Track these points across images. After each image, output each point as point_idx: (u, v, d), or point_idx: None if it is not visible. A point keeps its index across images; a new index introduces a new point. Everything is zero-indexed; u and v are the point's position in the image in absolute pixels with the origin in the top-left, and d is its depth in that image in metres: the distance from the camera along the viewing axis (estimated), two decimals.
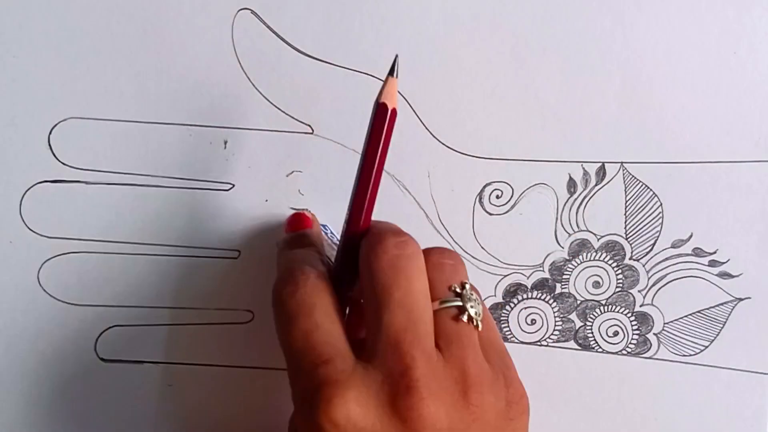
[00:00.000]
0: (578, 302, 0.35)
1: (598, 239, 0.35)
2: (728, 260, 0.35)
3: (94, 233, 0.34)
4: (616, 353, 0.35)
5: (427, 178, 0.34)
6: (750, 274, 0.35)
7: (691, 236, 0.35)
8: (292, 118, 0.34)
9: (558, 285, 0.35)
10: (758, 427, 0.35)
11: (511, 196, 0.35)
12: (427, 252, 0.27)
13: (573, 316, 0.35)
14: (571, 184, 0.35)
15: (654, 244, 0.35)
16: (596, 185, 0.35)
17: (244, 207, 0.34)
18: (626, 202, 0.35)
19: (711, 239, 0.35)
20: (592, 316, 0.35)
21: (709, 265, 0.35)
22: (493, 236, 0.35)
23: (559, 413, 0.35)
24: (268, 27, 0.34)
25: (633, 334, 0.35)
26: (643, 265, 0.35)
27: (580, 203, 0.35)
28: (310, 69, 0.34)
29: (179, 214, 0.34)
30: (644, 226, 0.35)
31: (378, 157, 0.27)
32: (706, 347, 0.35)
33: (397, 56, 0.28)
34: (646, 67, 0.34)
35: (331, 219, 0.34)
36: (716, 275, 0.35)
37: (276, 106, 0.34)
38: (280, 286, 0.27)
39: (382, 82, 0.27)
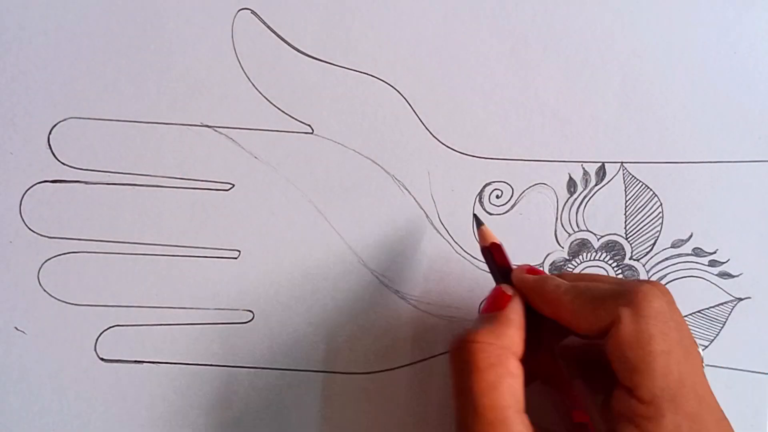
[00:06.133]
0: None
1: (598, 239, 0.35)
2: (728, 260, 0.35)
3: (94, 233, 0.34)
4: None
5: (427, 178, 0.34)
6: (750, 274, 0.35)
7: (691, 236, 0.35)
8: (292, 118, 0.34)
9: None
10: (758, 427, 0.35)
11: (511, 196, 0.35)
12: None
13: None
14: (571, 184, 0.35)
15: (654, 244, 0.35)
16: (596, 185, 0.35)
17: (244, 207, 0.34)
18: (626, 202, 0.35)
19: (711, 239, 0.35)
20: None
21: (709, 265, 0.35)
22: None
23: None
24: (268, 27, 0.34)
25: None
26: (643, 265, 0.35)
27: (580, 203, 0.35)
28: (310, 69, 0.34)
29: (179, 214, 0.34)
30: (644, 226, 0.35)
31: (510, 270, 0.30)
32: (706, 347, 0.35)
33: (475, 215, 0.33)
34: (646, 67, 0.34)
35: (330, 218, 0.34)
36: (716, 275, 0.35)
37: (276, 106, 0.34)
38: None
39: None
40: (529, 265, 0.30)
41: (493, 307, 0.28)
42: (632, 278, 0.35)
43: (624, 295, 0.26)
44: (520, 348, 0.27)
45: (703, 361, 0.27)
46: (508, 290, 0.29)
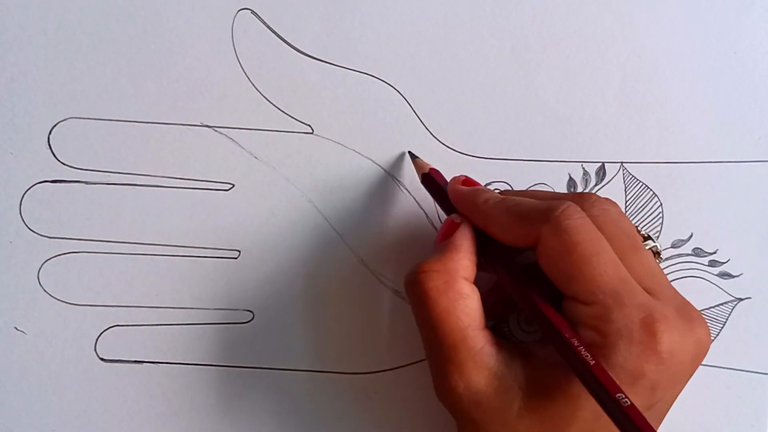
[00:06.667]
0: None
1: None
2: (728, 260, 0.35)
3: (94, 233, 0.34)
4: None
5: None
6: (750, 274, 0.35)
7: (691, 236, 0.35)
8: (292, 118, 0.34)
9: None
10: (758, 427, 0.35)
11: None
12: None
13: None
14: (571, 184, 0.35)
15: None
16: (596, 185, 0.35)
17: (244, 207, 0.34)
18: (626, 202, 0.35)
19: (711, 239, 0.35)
20: None
21: (709, 265, 0.35)
22: None
23: None
24: (268, 27, 0.34)
25: None
26: None
27: None
28: (310, 69, 0.34)
29: (179, 214, 0.34)
30: (644, 226, 0.35)
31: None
32: None
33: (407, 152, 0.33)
34: (646, 67, 0.34)
35: (331, 218, 0.34)
36: (716, 275, 0.35)
37: (276, 106, 0.34)
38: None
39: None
40: (465, 176, 0.31)
41: (444, 236, 0.29)
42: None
43: (545, 212, 0.26)
44: (469, 270, 0.27)
45: (659, 255, 0.27)
46: (456, 218, 0.29)
